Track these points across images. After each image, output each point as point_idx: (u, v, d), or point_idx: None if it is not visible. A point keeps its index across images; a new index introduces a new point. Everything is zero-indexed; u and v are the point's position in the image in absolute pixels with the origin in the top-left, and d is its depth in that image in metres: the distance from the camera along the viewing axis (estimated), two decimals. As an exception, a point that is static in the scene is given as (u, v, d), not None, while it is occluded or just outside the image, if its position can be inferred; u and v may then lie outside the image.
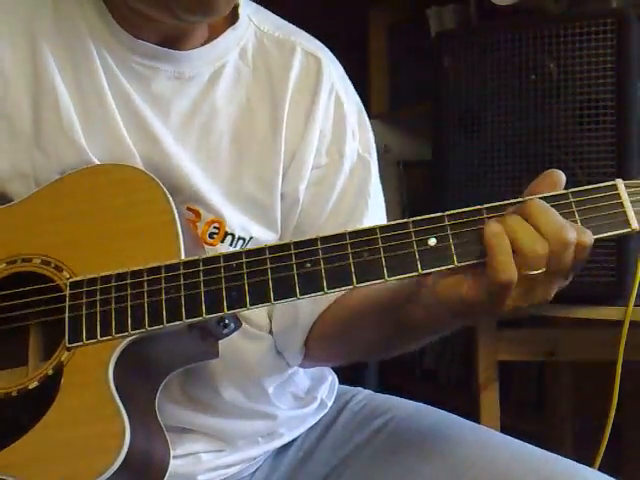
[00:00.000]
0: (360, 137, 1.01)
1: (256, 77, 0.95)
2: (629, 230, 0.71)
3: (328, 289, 0.73)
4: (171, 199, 0.81)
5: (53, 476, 0.73)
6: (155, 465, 0.78)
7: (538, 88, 1.42)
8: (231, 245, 0.91)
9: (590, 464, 0.91)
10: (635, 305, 1.34)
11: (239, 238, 0.92)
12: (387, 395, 1.09)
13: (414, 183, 2.17)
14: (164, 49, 0.90)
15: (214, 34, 0.93)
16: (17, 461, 0.73)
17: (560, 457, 0.91)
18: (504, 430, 1.02)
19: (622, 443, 1.98)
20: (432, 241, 0.72)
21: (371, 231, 0.74)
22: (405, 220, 0.73)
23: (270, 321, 0.99)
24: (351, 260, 0.73)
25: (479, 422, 1.47)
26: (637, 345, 1.35)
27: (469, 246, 0.72)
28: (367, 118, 1.03)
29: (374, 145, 1.03)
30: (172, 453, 0.80)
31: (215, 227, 0.90)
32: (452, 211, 0.73)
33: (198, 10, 0.84)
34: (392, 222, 0.74)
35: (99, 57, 0.88)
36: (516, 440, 0.95)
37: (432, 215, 0.73)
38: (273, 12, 1.00)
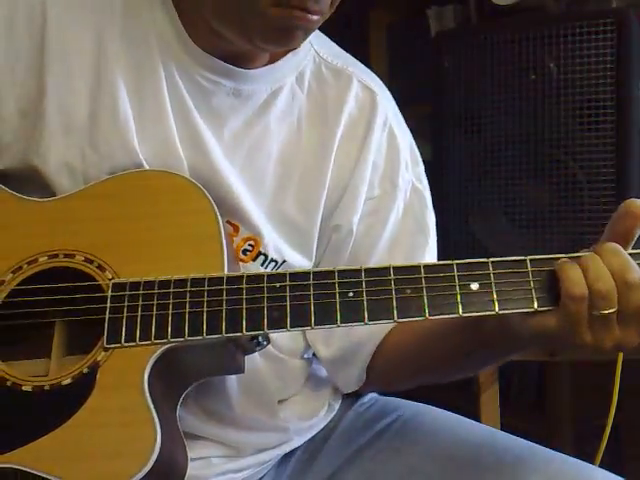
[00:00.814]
0: (413, 168, 1.01)
1: (310, 103, 0.95)
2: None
3: (368, 320, 0.74)
4: (218, 212, 0.81)
5: (82, 475, 0.72)
6: (177, 469, 0.78)
7: (538, 88, 1.42)
8: (262, 265, 0.91)
9: (590, 464, 0.91)
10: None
11: (272, 260, 0.91)
12: (391, 397, 1.09)
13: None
14: (228, 65, 0.90)
15: (275, 56, 0.94)
16: (46, 456, 0.73)
17: (566, 456, 0.91)
18: (504, 430, 1.02)
19: (622, 443, 1.98)
20: (474, 286, 0.73)
21: (415, 269, 0.75)
22: (449, 262, 0.75)
23: (297, 345, 0.98)
24: (393, 295, 0.74)
25: (479, 422, 1.46)
26: (637, 345, 1.35)
27: (511, 295, 0.73)
28: (417, 150, 1.04)
29: (425, 175, 1.04)
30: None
31: (250, 244, 0.90)
32: (497, 259, 0.74)
33: (276, 41, 0.85)
34: (436, 262, 0.76)
35: (163, 64, 0.88)
36: (521, 439, 0.95)
37: (477, 260, 0.75)
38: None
